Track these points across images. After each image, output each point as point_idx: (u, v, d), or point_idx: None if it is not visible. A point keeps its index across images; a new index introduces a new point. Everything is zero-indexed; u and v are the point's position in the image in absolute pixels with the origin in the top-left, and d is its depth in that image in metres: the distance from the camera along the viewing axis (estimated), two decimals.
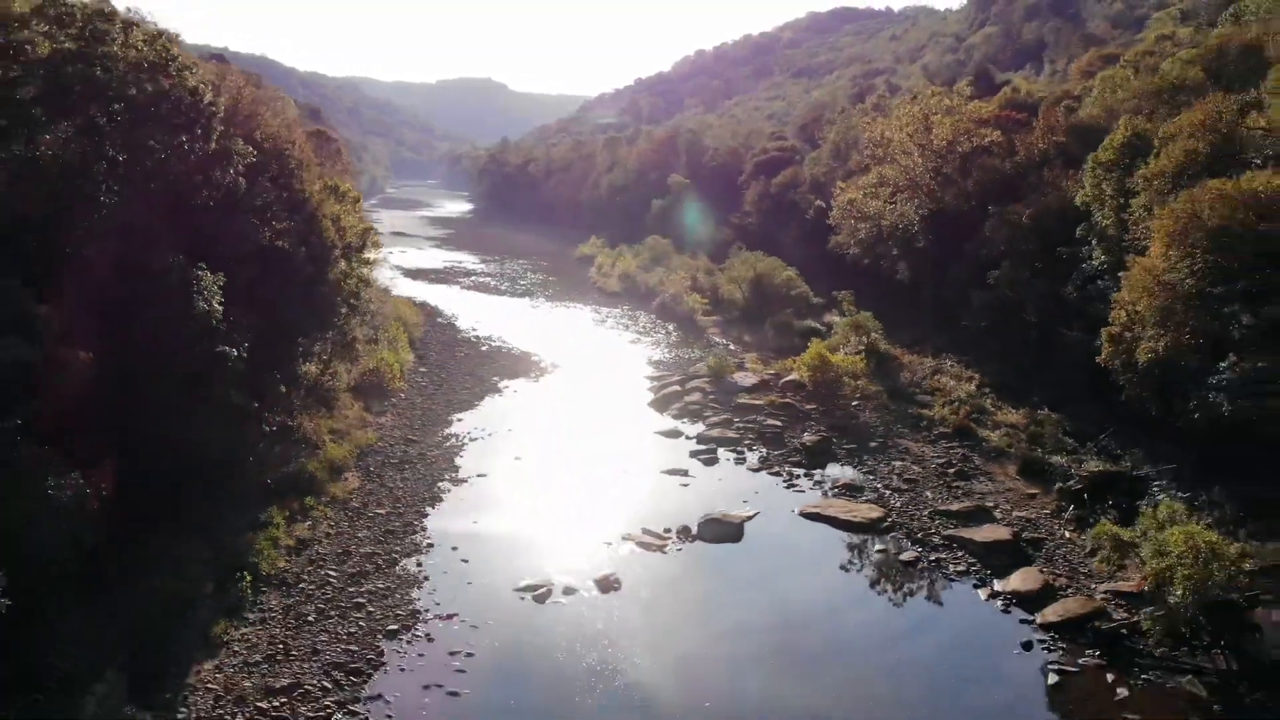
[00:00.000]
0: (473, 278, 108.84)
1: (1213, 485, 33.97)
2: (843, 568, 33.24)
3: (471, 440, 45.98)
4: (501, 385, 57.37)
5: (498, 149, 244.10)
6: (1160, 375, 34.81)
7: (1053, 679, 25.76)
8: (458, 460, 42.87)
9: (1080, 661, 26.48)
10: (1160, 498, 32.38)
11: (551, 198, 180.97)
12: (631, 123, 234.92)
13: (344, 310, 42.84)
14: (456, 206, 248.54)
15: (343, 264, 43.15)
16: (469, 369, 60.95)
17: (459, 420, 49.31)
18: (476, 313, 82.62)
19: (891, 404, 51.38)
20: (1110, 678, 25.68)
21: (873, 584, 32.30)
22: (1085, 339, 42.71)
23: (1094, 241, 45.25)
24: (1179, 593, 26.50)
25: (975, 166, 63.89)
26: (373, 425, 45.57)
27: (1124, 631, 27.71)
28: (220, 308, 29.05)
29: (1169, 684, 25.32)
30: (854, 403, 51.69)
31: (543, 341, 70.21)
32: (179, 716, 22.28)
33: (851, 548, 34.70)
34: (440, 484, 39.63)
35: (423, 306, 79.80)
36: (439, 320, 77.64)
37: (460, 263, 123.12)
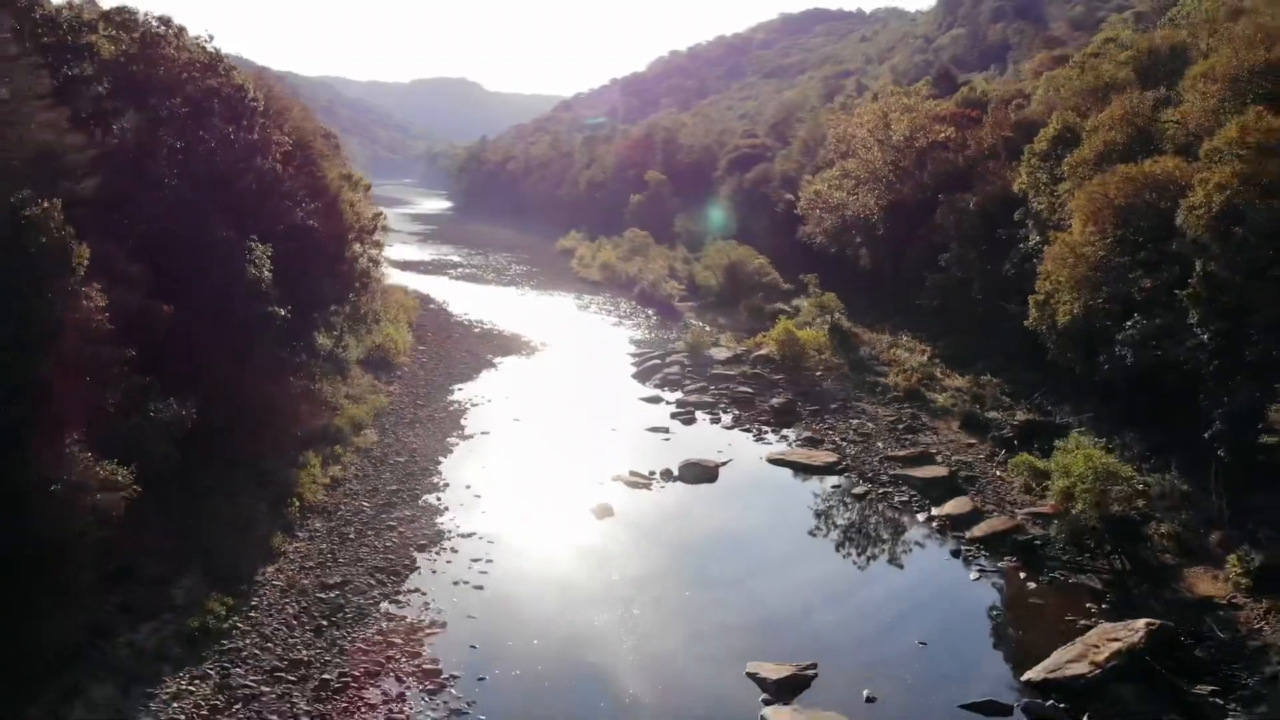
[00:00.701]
0: (459, 269, 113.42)
1: (1125, 430, 39.41)
2: (801, 500, 38.44)
3: (473, 405, 50.76)
4: (495, 361, 62.16)
5: (477, 147, 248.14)
6: (1078, 334, 40.17)
7: (974, 575, 31.02)
8: (463, 421, 47.68)
9: (999, 565, 31.76)
10: (1072, 434, 37.62)
11: (531, 194, 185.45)
12: (608, 122, 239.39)
13: (358, 285, 47.57)
14: (435, 204, 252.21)
15: (356, 245, 47.89)
16: (465, 347, 65.69)
17: (460, 389, 54.04)
18: (466, 300, 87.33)
19: (851, 374, 56.64)
20: (1023, 575, 30.94)
21: (826, 510, 37.53)
22: (1023, 311, 47.83)
23: (1030, 224, 50.61)
24: (1081, 506, 31.84)
25: (930, 159, 69.29)
26: (383, 392, 50.15)
27: (1037, 542, 33.05)
28: (270, 274, 33.75)
29: (1071, 580, 30.58)
30: (818, 373, 56.86)
31: (530, 324, 75.00)
32: (253, 603, 26.96)
33: (811, 485, 39.88)
34: (449, 439, 44.47)
35: (415, 294, 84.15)
36: (431, 306, 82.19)
37: (446, 255, 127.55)
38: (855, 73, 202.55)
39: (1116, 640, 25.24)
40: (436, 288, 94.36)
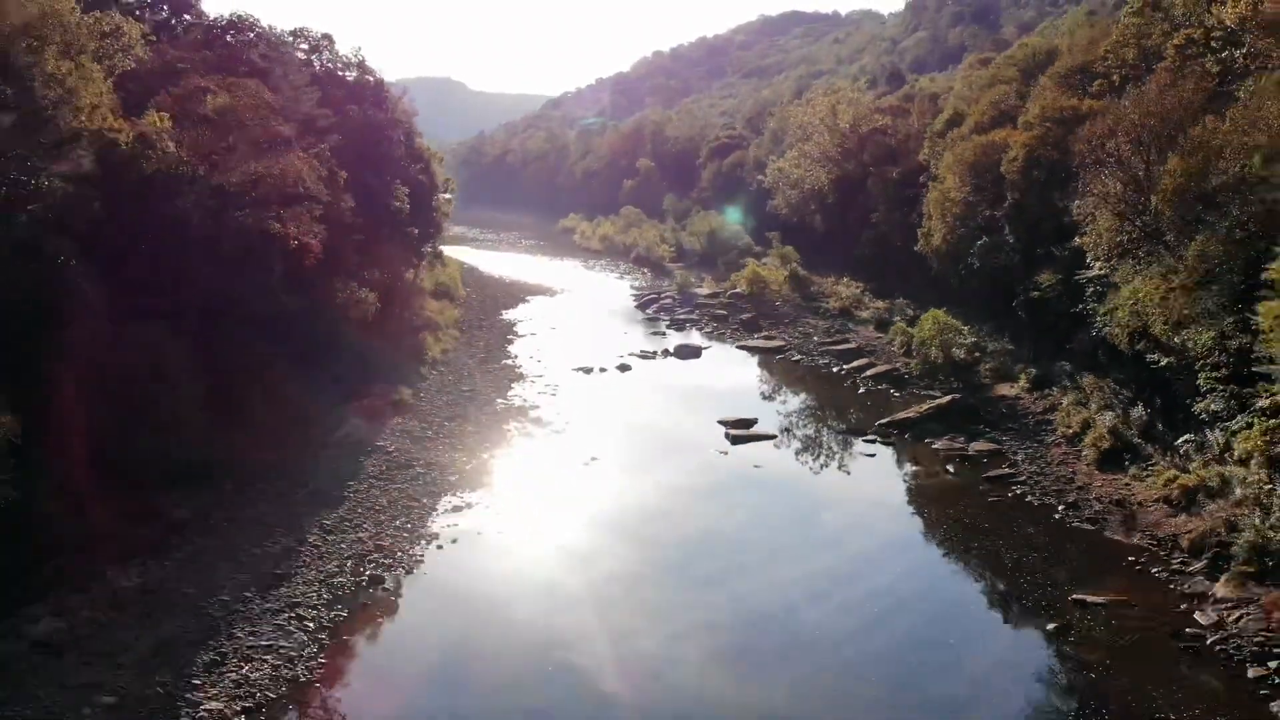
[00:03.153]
0: (475, 242, 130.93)
1: (982, 320, 57.36)
2: (756, 365, 56.45)
3: (519, 322, 68.57)
4: (527, 299, 79.91)
5: (475, 141, 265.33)
6: (948, 254, 58.09)
7: (861, 390, 49.07)
8: (515, 329, 65.53)
9: (877, 388, 49.73)
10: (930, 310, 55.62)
11: (529, 184, 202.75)
12: (602, 120, 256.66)
13: (436, 230, 65.16)
14: None
15: (435, 199, 65.46)
16: (501, 291, 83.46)
17: (506, 313, 71.83)
18: (489, 263, 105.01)
19: (803, 303, 74.65)
20: (892, 391, 48.98)
21: (772, 368, 55.51)
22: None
23: (930, 185, 68.53)
24: (932, 352, 49.84)
25: (869, 142, 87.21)
26: (452, 311, 67.69)
27: (905, 376, 51.04)
28: (407, 206, 51.31)
29: (921, 392, 48.49)
30: (777, 303, 74.78)
31: (548, 278, 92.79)
32: (421, 395, 44.61)
33: (765, 358, 57.93)
34: (508, 337, 62.27)
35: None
36: (464, 265, 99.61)
37: (461, 234, 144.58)
38: (827, 73, 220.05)
39: (932, 404, 43.32)
40: (461, 254, 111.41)
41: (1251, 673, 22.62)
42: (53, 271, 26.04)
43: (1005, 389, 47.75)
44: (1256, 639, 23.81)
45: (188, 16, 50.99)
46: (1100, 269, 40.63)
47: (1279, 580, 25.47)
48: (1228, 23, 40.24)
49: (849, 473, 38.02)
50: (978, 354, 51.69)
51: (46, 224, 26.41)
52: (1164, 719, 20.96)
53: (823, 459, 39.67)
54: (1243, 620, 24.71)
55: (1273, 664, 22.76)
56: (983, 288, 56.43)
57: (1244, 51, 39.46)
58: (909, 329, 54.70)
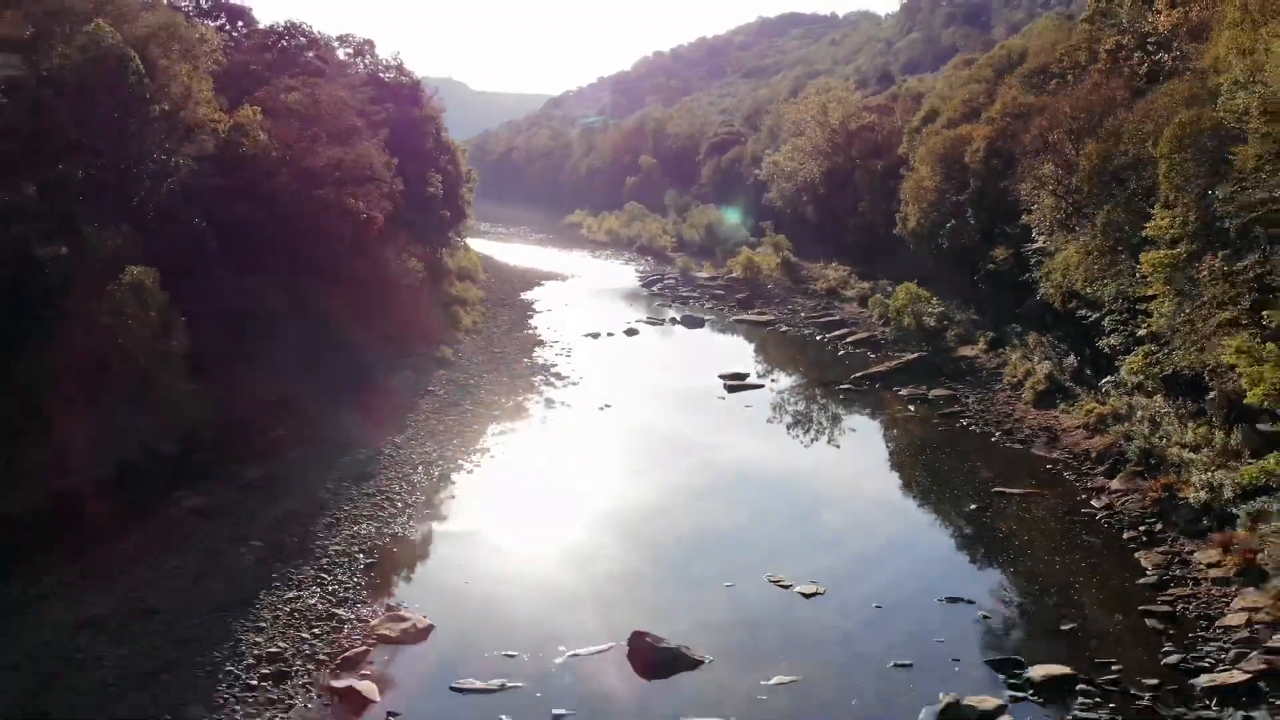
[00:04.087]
0: (487, 236, 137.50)
1: (955, 295, 64.13)
2: (751, 334, 63.27)
3: (537, 300, 75.39)
4: (542, 283, 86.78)
5: (480, 139, 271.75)
6: (922, 235, 64.87)
7: (840, 353, 55.88)
8: (534, 306, 72.34)
9: (856, 351, 56.51)
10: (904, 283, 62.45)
11: (533, 181, 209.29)
12: (603, 119, 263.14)
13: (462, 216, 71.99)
14: None
15: (460, 188, 72.28)
16: (516, 276, 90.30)
17: (523, 294, 78.71)
18: (503, 253, 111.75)
19: (793, 285, 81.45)
20: (869, 353, 55.82)
21: (765, 336, 62.29)
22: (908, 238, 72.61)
23: (908, 174, 75.25)
24: (906, 321, 56.62)
25: (857, 138, 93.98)
26: (476, 290, 74.47)
27: (881, 341, 57.82)
28: (441, 192, 58.07)
29: (893, 354, 55.19)
30: (769, 285, 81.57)
31: (560, 266, 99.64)
32: (460, 354, 51.40)
33: (758, 329, 64.76)
34: (528, 312, 69.11)
35: None
36: (480, 254, 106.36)
37: (471, 226, 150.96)
38: (824, 73, 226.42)
39: (900, 360, 50.14)
40: (475, 245, 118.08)
41: (1126, 535, 29.43)
42: (188, 232, 32.83)
43: (967, 350, 54.50)
44: (1135, 514, 30.66)
45: (242, 23, 57.87)
46: (1043, 242, 47.43)
47: (1159, 475, 32.24)
48: (1161, 29, 47.21)
49: (823, 411, 44.96)
50: (946, 322, 58.46)
51: (180, 195, 33.24)
52: (1049, 561, 27.76)
53: (802, 401, 46.62)
54: (1127, 503, 31.57)
55: (1142, 528, 29.59)
56: (952, 266, 63.24)
57: (1172, 55, 46.33)
58: (885, 300, 61.51)
